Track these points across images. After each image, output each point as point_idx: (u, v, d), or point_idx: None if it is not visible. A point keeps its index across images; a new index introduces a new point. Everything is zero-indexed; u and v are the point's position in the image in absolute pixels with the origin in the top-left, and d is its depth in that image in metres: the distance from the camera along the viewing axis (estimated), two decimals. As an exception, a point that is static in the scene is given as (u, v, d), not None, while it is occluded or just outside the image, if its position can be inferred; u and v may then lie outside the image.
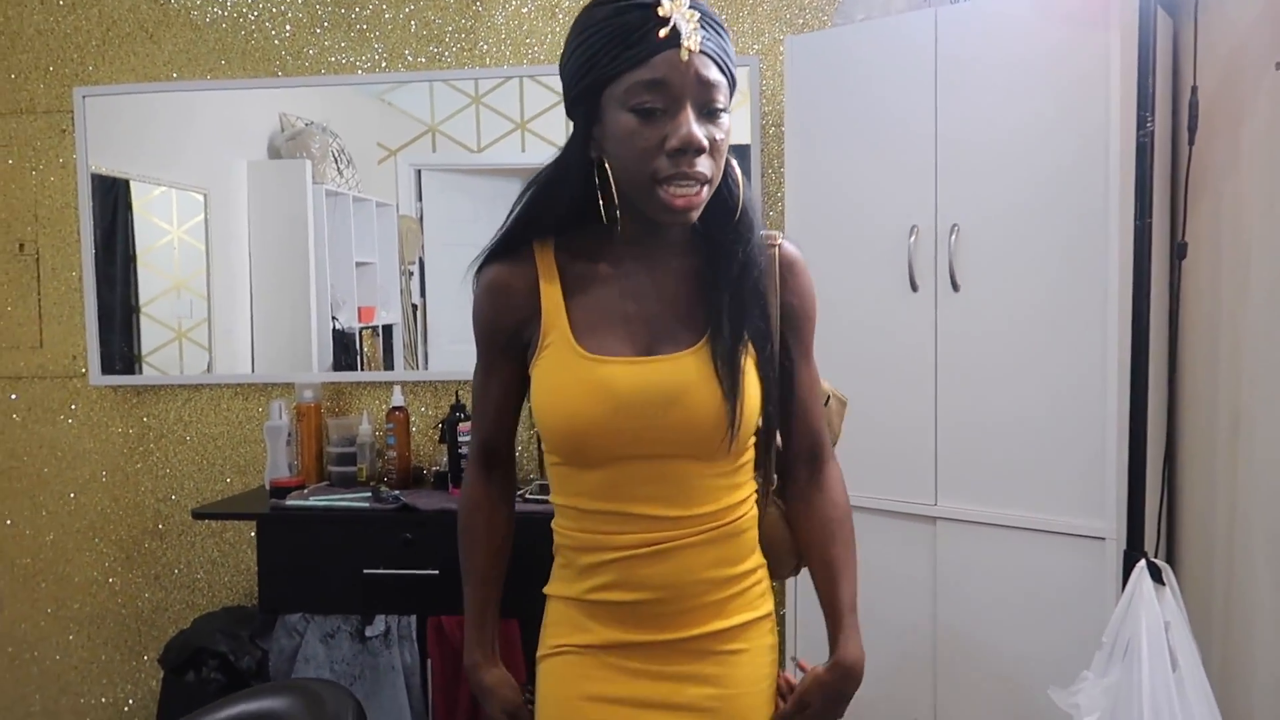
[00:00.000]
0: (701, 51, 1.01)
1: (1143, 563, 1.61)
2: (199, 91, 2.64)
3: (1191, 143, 1.88)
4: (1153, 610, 1.57)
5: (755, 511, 1.18)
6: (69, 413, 2.69)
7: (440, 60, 2.58)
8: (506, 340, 1.16)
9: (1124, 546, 1.70)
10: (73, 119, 2.62)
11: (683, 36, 1.00)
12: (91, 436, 2.69)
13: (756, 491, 1.19)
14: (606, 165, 1.07)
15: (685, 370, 1.08)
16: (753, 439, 1.16)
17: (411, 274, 2.63)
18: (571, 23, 1.08)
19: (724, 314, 1.10)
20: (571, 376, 1.08)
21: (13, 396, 2.71)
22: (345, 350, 2.66)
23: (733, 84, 1.07)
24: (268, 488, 2.42)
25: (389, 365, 2.65)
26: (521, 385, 1.19)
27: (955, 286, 1.95)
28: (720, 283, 1.11)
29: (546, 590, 1.20)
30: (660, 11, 1.00)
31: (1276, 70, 1.76)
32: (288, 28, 2.62)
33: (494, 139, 2.58)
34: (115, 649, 2.69)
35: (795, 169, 2.16)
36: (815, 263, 1.21)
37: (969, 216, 1.93)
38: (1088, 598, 1.80)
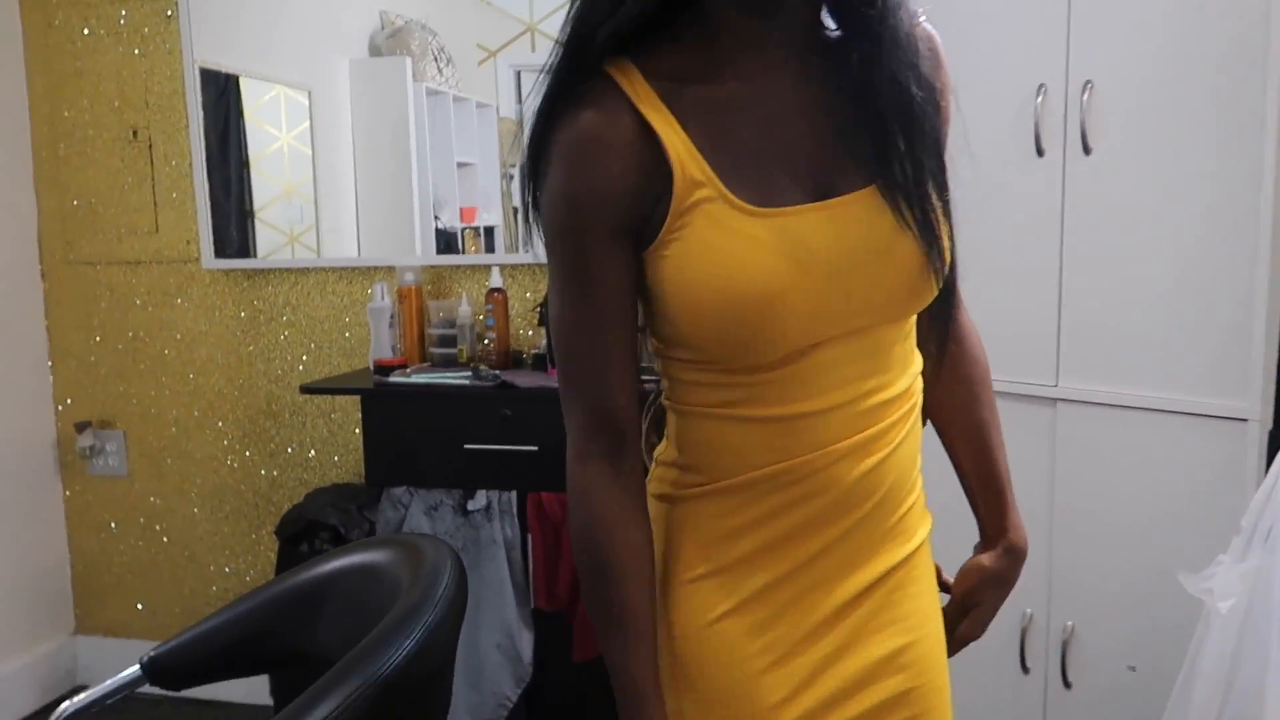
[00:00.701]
0: None
1: (1290, 444, 1.49)
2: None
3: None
4: (1299, 494, 1.45)
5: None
6: (185, 296, 2.78)
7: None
8: (617, 227, 0.80)
9: (1269, 428, 1.57)
10: (177, 4, 2.63)
11: None
12: (206, 320, 2.77)
13: None
14: None
15: (875, 209, 0.81)
16: None
17: (511, 177, 2.63)
18: None
19: (893, 126, 0.82)
20: (745, 241, 0.78)
21: (132, 281, 2.81)
22: (448, 250, 2.68)
23: None
24: (371, 367, 2.46)
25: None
26: (636, 304, 0.84)
27: (1086, 150, 1.79)
28: (878, 84, 0.81)
29: (668, 578, 0.89)
30: None
31: None
32: (382, -100, 2.55)
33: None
34: (235, 522, 2.82)
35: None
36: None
37: (1104, 73, 1.76)
38: (1222, 483, 1.67)
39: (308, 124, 2.72)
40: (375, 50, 2.64)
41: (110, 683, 1.52)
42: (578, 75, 0.80)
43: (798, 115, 0.83)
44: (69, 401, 2.89)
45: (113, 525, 2.90)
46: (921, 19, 0.87)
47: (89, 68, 2.74)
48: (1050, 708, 1.93)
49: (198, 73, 2.65)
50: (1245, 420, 1.64)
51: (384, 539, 1.48)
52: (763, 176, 0.80)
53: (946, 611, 0.99)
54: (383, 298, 2.52)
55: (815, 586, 0.86)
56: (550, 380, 2.19)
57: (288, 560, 2.37)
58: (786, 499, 0.85)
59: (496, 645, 2.19)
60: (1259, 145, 1.59)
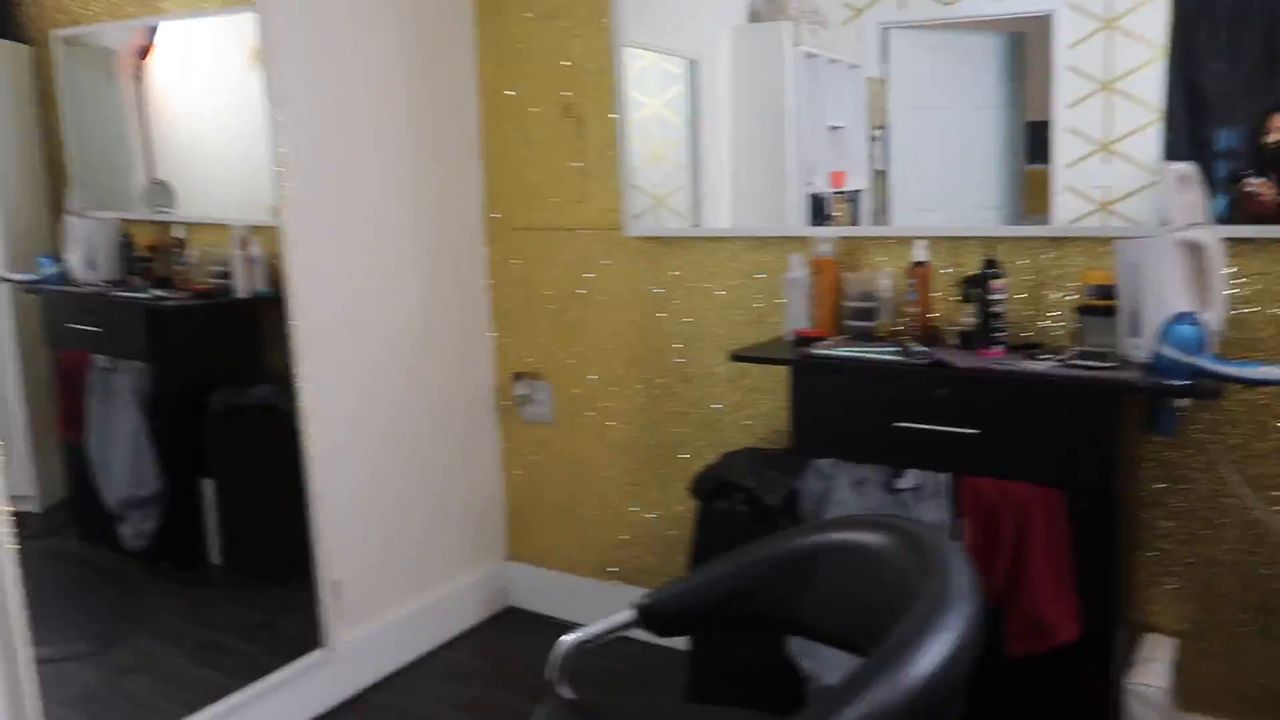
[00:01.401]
0: None
1: None
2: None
3: None
4: None
5: None
6: (608, 262, 2.99)
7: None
8: None
9: None
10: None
11: None
12: (625, 285, 2.97)
13: None
14: None
15: None
16: None
17: (875, 138, 2.58)
18: None
19: None
20: None
21: (563, 246, 3.07)
22: (819, 215, 2.68)
23: None
24: (791, 338, 2.51)
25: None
26: None
27: None
28: None
29: None
30: None
31: None
32: None
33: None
34: (645, 473, 3.03)
35: None
36: None
37: None
38: None
39: (677, 90, 2.81)
40: (754, 16, 2.69)
41: (603, 623, 1.68)
42: None
43: None
44: (506, 354, 3.24)
45: (539, 466, 3.24)
46: None
47: (529, 50, 3.01)
48: None
49: (622, 50, 2.82)
50: None
51: (869, 520, 1.50)
52: None
53: None
54: (800, 268, 2.55)
55: None
56: (989, 362, 2.11)
57: (706, 517, 2.51)
58: None
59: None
60: None
